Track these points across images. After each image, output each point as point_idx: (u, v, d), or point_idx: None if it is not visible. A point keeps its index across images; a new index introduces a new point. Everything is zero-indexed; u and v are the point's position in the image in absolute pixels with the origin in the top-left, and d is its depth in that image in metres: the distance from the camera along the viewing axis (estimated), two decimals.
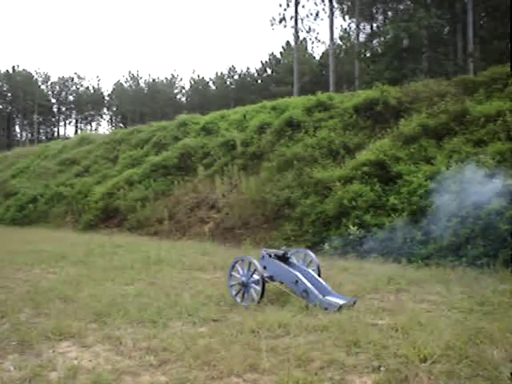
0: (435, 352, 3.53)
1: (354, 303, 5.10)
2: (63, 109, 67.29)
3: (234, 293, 5.55)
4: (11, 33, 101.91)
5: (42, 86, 66.26)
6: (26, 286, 6.60)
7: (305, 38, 40.77)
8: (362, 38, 31.39)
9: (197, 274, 7.37)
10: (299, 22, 33.96)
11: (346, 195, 9.64)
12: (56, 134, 65.58)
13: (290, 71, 39.33)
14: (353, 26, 36.30)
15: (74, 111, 67.39)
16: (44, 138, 62.71)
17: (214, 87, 60.99)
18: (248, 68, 58.66)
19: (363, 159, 10.38)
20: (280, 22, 34.69)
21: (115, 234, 14.24)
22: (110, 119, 67.94)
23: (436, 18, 20.71)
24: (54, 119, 67.59)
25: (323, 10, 33.98)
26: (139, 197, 15.63)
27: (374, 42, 24.89)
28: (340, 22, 36.86)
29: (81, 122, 68.14)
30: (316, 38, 37.00)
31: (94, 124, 68.53)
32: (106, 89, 74.53)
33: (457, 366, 3.34)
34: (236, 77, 58.19)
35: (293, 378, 3.23)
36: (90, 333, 4.42)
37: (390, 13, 28.18)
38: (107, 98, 67.70)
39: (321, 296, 5.09)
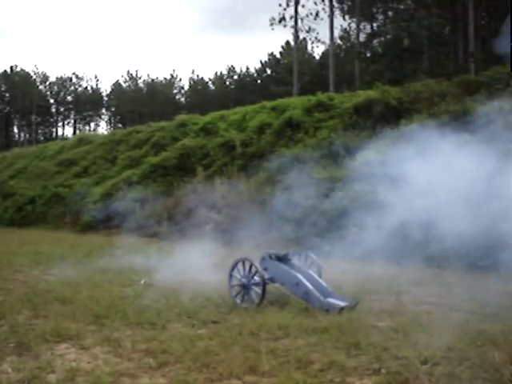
0: (436, 354, 3.50)
1: (356, 305, 5.07)
2: (61, 109, 66.92)
3: (233, 294, 5.52)
4: (9, 33, 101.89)
5: (41, 87, 65.88)
6: (24, 288, 6.55)
7: (305, 38, 40.55)
8: (362, 37, 31.41)
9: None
10: (299, 21, 34.02)
11: (347, 196, 9.62)
12: (54, 134, 65.25)
13: (289, 71, 39.24)
14: (353, 25, 36.24)
15: (72, 111, 67.00)
16: (42, 138, 62.29)
17: (213, 87, 60.89)
18: (247, 68, 58.44)
19: (363, 160, 10.36)
20: (280, 21, 34.66)
21: (114, 236, 14.20)
22: (109, 119, 67.71)
23: (436, 17, 20.72)
24: (52, 120, 67.27)
25: (323, 9, 33.94)
26: (138, 198, 15.60)
27: (375, 41, 24.95)
28: (340, 22, 36.80)
29: (79, 123, 67.79)
30: (316, 37, 36.77)
31: (92, 124, 68.24)
32: (105, 89, 74.28)
33: (458, 368, 3.31)
34: (235, 77, 58.12)
35: (293, 380, 3.21)
36: (89, 335, 4.39)
37: (390, 12, 28.15)
38: (106, 99, 67.36)
39: (322, 298, 5.05)
